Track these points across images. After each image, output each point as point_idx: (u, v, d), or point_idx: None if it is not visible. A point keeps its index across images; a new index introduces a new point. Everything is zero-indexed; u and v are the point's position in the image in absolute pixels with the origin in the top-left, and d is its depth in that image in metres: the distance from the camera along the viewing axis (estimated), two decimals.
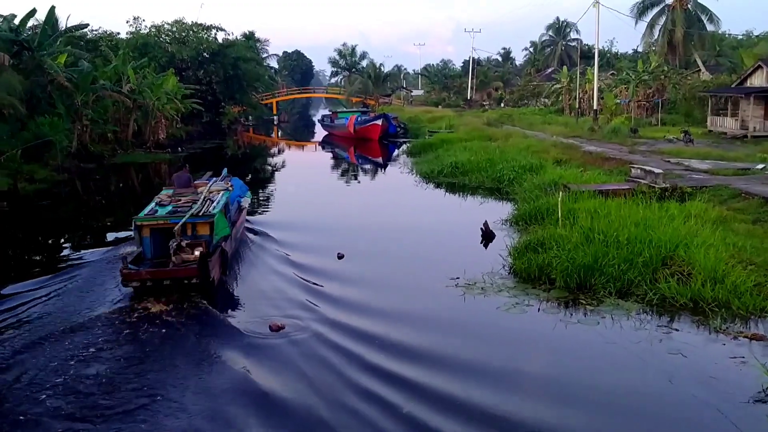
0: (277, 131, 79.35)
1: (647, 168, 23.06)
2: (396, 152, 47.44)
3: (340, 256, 17.13)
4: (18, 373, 10.16)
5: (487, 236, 18.55)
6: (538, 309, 12.95)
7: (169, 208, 15.59)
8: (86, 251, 18.23)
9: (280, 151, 56.92)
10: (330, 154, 51.98)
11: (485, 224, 18.76)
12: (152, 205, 15.94)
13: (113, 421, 8.87)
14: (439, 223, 22.13)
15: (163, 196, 16.76)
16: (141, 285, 13.54)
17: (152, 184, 35.00)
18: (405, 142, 50.76)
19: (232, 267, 16.08)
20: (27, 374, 10.11)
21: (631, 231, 15.17)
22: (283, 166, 43.92)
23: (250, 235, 19.57)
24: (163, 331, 12.02)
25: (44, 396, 9.46)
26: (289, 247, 18.04)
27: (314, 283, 14.84)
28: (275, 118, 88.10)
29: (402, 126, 59.97)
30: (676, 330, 11.78)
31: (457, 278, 14.64)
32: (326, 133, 64.01)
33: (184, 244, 14.26)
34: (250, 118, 79.10)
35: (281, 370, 10.45)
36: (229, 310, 13.60)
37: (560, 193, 18.66)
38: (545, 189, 22.48)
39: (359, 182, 35.90)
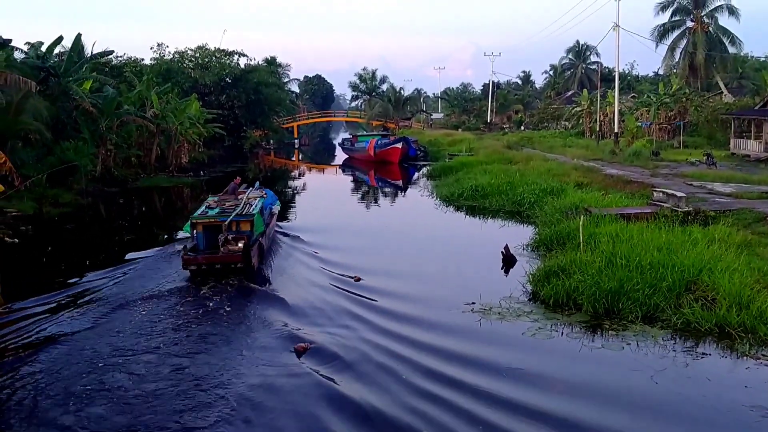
0: (298, 154, 79.88)
1: (669, 191, 22.85)
2: (416, 175, 47.52)
3: (357, 280, 17.14)
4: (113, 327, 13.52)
5: (508, 260, 18.41)
6: (562, 334, 12.81)
7: (217, 210, 19.56)
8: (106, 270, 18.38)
9: (300, 174, 57.24)
10: (350, 177, 52.16)
11: (506, 248, 18.64)
12: (203, 208, 20.03)
13: (184, 358, 11.87)
14: (459, 247, 22.09)
15: (210, 201, 21.07)
16: (197, 268, 17.27)
17: (174, 207, 35.43)
18: (425, 165, 50.88)
19: (267, 258, 19.71)
20: (118, 331, 13.28)
21: (654, 255, 14.98)
22: (303, 189, 44.13)
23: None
24: (217, 299, 15.52)
25: (129, 347, 12.47)
26: (316, 257, 20.42)
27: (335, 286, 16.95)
28: (296, 141, 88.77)
29: (422, 149, 60.17)
30: (704, 355, 11.60)
31: (473, 303, 14.58)
32: (346, 156, 64.37)
33: (230, 237, 17.90)
34: (271, 141, 79.77)
35: (310, 323, 14.03)
36: (267, 286, 17.24)
37: (581, 217, 18.51)
38: (566, 213, 22.29)
39: (379, 205, 35.96)
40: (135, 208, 33.70)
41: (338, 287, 16.60)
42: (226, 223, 18.10)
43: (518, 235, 21.88)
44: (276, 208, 23.58)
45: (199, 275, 17.13)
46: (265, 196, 22.21)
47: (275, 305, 15.28)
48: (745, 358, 11.36)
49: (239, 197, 21.33)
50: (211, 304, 15.08)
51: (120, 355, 12.05)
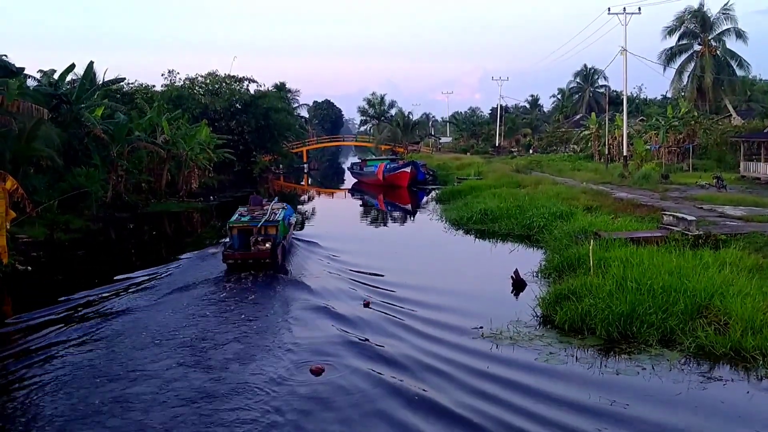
0: (307, 179, 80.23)
1: (680, 215, 22.75)
2: (425, 199, 47.55)
3: (366, 304, 17.10)
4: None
5: (518, 285, 18.34)
6: (577, 359, 12.70)
7: (248, 217, 23.91)
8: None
9: (310, 198, 57.42)
10: (359, 201, 52.26)
11: (516, 272, 18.57)
12: (236, 215, 24.23)
13: (226, 338, 14.61)
14: (468, 270, 22.04)
15: (242, 210, 25.16)
16: (234, 263, 21.65)
17: (185, 231, 35.56)
18: (434, 189, 50.94)
19: (288, 257, 24.05)
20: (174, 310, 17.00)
21: (665, 279, 14.86)
22: (312, 214, 44.19)
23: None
24: (250, 285, 19.95)
25: (179, 327, 15.51)
26: (331, 257, 23.04)
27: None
28: (305, 166, 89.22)
29: (431, 173, 60.33)
30: (719, 379, 11.49)
31: (481, 327, 14.51)
32: (355, 180, 64.55)
33: (260, 239, 22.41)
34: (281, 166, 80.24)
35: (324, 298, 18.14)
36: (290, 275, 21.52)
37: (591, 240, 18.45)
38: (576, 236, 22.22)
39: (388, 228, 36.00)
40: (145, 233, 33.80)
41: (353, 280, 20.20)
42: (257, 227, 22.75)
43: (528, 259, 21.80)
44: (293, 219, 28.46)
45: (235, 268, 21.46)
46: (285, 208, 26.57)
47: (298, 288, 19.53)
48: (762, 381, 11.24)
49: (265, 207, 25.52)
50: (247, 288, 19.64)
51: (181, 326, 15.57)
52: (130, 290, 19.20)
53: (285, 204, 27.47)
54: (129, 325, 15.52)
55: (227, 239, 23.35)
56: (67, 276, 22.45)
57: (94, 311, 17.01)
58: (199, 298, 18.19)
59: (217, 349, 13.82)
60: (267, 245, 22.00)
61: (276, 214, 24.23)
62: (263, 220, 23.06)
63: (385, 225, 37.40)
